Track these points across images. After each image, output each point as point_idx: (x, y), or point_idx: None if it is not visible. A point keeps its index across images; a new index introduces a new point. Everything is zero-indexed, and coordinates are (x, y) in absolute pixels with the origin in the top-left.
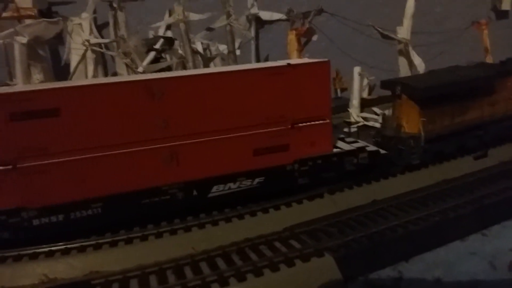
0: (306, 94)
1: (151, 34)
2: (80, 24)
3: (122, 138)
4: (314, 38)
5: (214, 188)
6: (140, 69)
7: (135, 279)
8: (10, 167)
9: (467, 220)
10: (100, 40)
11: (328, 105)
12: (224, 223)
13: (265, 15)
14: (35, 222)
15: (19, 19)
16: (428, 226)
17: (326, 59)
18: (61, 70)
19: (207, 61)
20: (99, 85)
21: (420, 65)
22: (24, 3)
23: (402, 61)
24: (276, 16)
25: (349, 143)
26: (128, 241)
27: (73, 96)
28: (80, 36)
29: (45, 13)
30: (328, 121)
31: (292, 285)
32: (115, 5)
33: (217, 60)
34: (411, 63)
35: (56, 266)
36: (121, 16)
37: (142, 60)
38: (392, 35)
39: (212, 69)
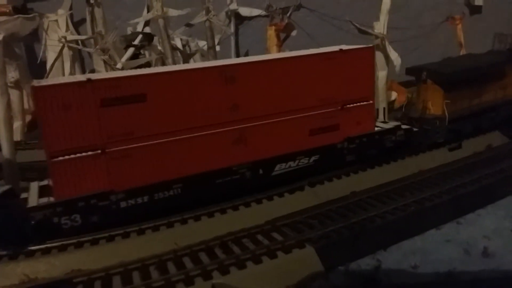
0: (353, 77)
1: (129, 30)
2: (56, 20)
3: (199, 121)
4: (293, 33)
5: (277, 167)
6: (118, 65)
7: (117, 276)
8: (99, 151)
9: (443, 209)
10: (77, 37)
11: (372, 87)
12: (207, 218)
13: (245, 11)
14: (123, 204)
15: None
16: (405, 215)
17: (371, 45)
18: (37, 68)
19: (186, 57)
20: (180, 71)
21: (396, 59)
22: None
23: (379, 55)
24: (256, 12)
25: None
26: (110, 239)
27: (157, 82)
28: (56, 33)
29: (20, 9)
30: (371, 102)
31: (274, 276)
32: (92, 1)
33: (197, 56)
34: (387, 58)
35: (36, 266)
36: (98, 12)
37: (120, 56)
38: (369, 31)
39: (276, 54)
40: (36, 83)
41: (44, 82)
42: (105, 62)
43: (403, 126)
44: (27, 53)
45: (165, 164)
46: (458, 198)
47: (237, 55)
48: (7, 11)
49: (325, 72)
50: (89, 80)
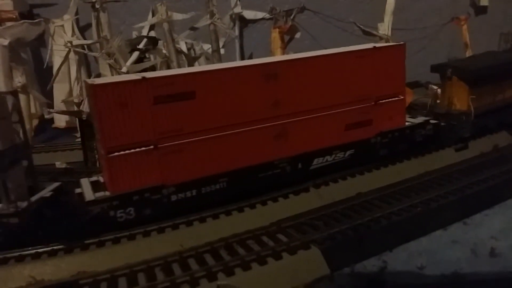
0: (386, 73)
1: (134, 35)
2: (62, 26)
3: (243, 117)
4: (297, 35)
5: (315, 161)
6: (124, 69)
7: (123, 278)
8: (152, 147)
9: (449, 210)
10: (83, 41)
11: (403, 82)
12: (212, 220)
13: (249, 14)
14: (173, 198)
15: (0, 22)
16: (411, 216)
17: (402, 42)
18: (43, 73)
19: (191, 61)
20: (226, 69)
21: None
22: (5, 6)
23: None
24: (260, 15)
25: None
26: (116, 241)
27: (206, 80)
28: (62, 38)
29: (26, 15)
30: (402, 97)
31: (279, 277)
32: (97, 6)
33: (202, 59)
34: None
35: (43, 268)
36: (103, 17)
37: (125, 60)
38: (374, 32)
39: (315, 52)
40: (91, 81)
41: (100, 80)
42: (110, 66)
43: (432, 121)
44: (34, 58)
45: (212, 159)
46: (465, 198)
47: (242, 58)
48: (14, 17)
49: (360, 69)
50: (144, 78)
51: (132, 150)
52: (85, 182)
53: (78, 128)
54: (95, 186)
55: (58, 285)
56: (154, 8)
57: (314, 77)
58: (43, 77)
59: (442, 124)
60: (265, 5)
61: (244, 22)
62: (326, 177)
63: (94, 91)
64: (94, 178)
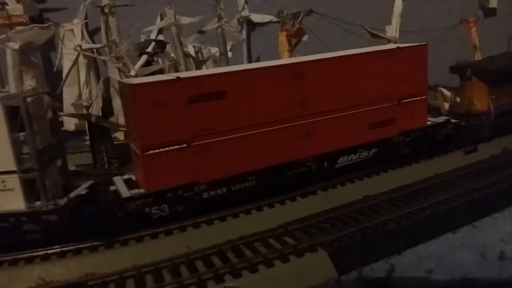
0: (409, 73)
1: (142, 38)
2: (71, 30)
3: (271, 116)
4: (305, 38)
5: (340, 160)
6: (132, 72)
7: (131, 279)
8: (185, 145)
9: (458, 213)
10: (92, 45)
11: (425, 82)
12: (219, 222)
13: (256, 17)
14: (205, 195)
15: (11, 26)
16: (420, 219)
17: (425, 43)
18: (53, 76)
19: (199, 64)
20: (256, 69)
21: None
22: (16, 10)
23: None
24: (267, 18)
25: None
26: (124, 243)
27: (236, 79)
28: (72, 42)
29: (37, 20)
30: (424, 97)
31: (287, 280)
32: (106, 10)
33: (209, 62)
34: None
35: (52, 269)
36: (112, 21)
37: (134, 64)
38: (381, 35)
39: (340, 52)
40: (127, 81)
41: (136, 80)
42: (119, 69)
43: (452, 120)
44: (44, 61)
45: (241, 157)
46: (474, 201)
47: (249, 61)
48: (24, 21)
49: (384, 68)
50: (178, 78)
51: (166, 149)
52: (118, 180)
53: (87, 131)
54: (128, 184)
55: (67, 286)
56: (162, 12)
57: (339, 77)
58: (52, 80)
59: (463, 123)
60: (272, 9)
61: (251, 25)
62: (333, 180)
63: (131, 91)
64: (126, 176)
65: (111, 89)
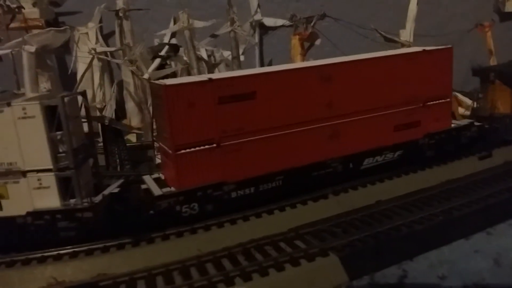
0: (434, 76)
1: (156, 42)
2: (86, 33)
3: (299, 117)
4: (318, 42)
5: (365, 161)
6: (145, 75)
7: (142, 281)
8: (215, 145)
9: (472, 219)
10: (106, 49)
11: (450, 85)
12: (230, 225)
13: (269, 21)
14: (233, 194)
15: (27, 29)
16: (433, 225)
17: (450, 46)
18: (67, 79)
19: (211, 67)
20: (285, 70)
21: None
22: (32, 14)
23: None
24: (280, 22)
25: None
26: (135, 244)
27: (266, 81)
28: (86, 45)
29: (52, 23)
30: (449, 99)
31: (297, 284)
32: (121, 14)
33: (222, 66)
34: None
35: (64, 269)
36: (127, 25)
37: (147, 67)
38: (395, 38)
39: (367, 54)
40: (161, 82)
41: (169, 81)
42: (133, 72)
43: (476, 123)
44: (59, 64)
45: (269, 157)
46: (489, 207)
47: (261, 64)
48: (40, 24)
49: (410, 71)
50: (210, 79)
51: (197, 148)
52: (148, 179)
53: (100, 133)
54: (158, 183)
55: (79, 286)
56: (176, 16)
57: (366, 79)
58: (67, 83)
59: (486, 126)
60: (285, 12)
61: (264, 29)
62: (345, 184)
63: (165, 92)
64: (155, 175)
65: (124, 92)
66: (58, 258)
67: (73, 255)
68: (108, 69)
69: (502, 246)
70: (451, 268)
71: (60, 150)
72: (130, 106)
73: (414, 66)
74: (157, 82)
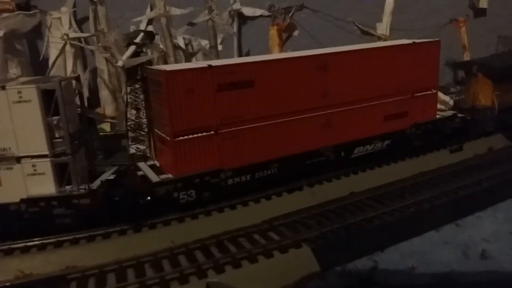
0: (422, 68)
1: (132, 29)
2: (59, 18)
3: (296, 106)
4: (295, 33)
5: (356, 150)
6: (119, 63)
7: (112, 274)
8: (212, 132)
9: (442, 211)
10: (80, 34)
11: (437, 77)
12: (204, 217)
13: (248, 11)
14: (230, 181)
15: None
16: (404, 217)
17: (438, 39)
18: (39, 65)
19: (189, 56)
20: (283, 59)
21: None
22: None
23: None
24: (258, 12)
25: None
26: (106, 236)
27: (265, 69)
28: (59, 31)
29: (23, 7)
30: (435, 91)
31: (270, 275)
32: None
33: (199, 55)
34: None
35: (32, 262)
36: (101, 10)
37: (122, 54)
38: (372, 32)
39: (361, 45)
40: (160, 67)
41: (168, 67)
42: (107, 59)
43: (459, 115)
44: (30, 50)
45: (265, 145)
46: (458, 200)
47: (240, 54)
48: (11, 8)
49: (400, 62)
50: (210, 66)
51: (195, 135)
52: (144, 166)
53: None
54: (153, 170)
55: (46, 280)
56: (152, 2)
57: (359, 69)
58: (38, 69)
59: (468, 118)
60: (264, 2)
61: (242, 19)
62: (319, 176)
63: (165, 77)
64: (150, 162)
65: (98, 80)
66: (25, 250)
67: (41, 247)
68: (81, 56)
69: (470, 238)
70: (421, 259)
71: (57, 136)
72: (104, 94)
73: (404, 57)
74: (156, 67)
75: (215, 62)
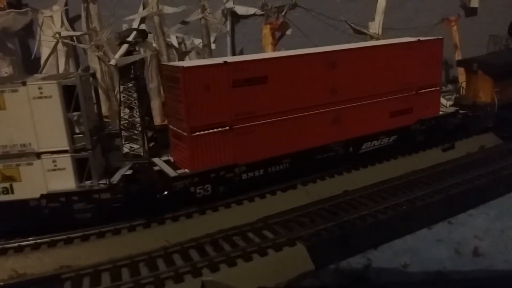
0: (426, 65)
1: (124, 27)
2: (51, 16)
3: (307, 102)
4: (288, 32)
5: (364, 145)
6: (112, 61)
7: (106, 273)
8: (228, 128)
9: (434, 209)
10: (72, 33)
11: (440, 74)
12: (198, 215)
13: (241, 9)
14: (244, 176)
15: None
16: (397, 215)
17: (441, 37)
18: (31, 64)
19: (182, 55)
20: (296, 56)
21: None
22: None
23: None
24: (252, 10)
25: None
26: (100, 235)
27: (278, 65)
28: (51, 29)
29: (15, 5)
30: (438, 88)
31: (265, 273)
32: None
33: (192, 54)
34: None
35: (25, 261)
36: (93, 8)
37: (114, 53)
38: (364, 31)
39: (369, 42)
40: (178, 64)
41: (185, 63)
42: (99, 58)
43: (461, 111)
44: (22, 48)
45: (278, 141)
46: (450, 198)
47: (233, 53)
48: (2, 6)
49: (406, 60)
50: (225, 62)
51: (211, 131)
52: (159, 161)
53: None
54: (169, 165)
55: (41, 279)
56: (145, 0)
57: (367, 66)
58: (30, 68)
59: (469, 114)
60: (257, 1)
61: (235, 17)
62: (313, 175)
63: (182, 74)
64: (164, 158)
65: None
66: (19, 250)
67: (35, 247)
68: (74, 55)
69: (463, 236)
70: (414, 256)
71: (77, 131)
72: None
73: (410, 55)
74: (172, 64)
75: (230, 59)
